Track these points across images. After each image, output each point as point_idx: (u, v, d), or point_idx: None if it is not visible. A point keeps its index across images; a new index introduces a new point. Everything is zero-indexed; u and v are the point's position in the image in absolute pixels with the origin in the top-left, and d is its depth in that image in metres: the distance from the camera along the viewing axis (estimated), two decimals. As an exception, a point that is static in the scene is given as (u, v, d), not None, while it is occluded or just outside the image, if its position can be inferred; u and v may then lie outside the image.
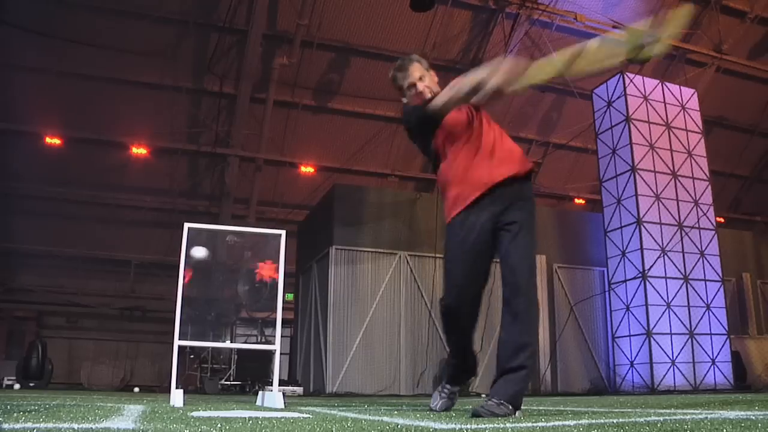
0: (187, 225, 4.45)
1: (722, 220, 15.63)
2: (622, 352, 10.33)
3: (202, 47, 12.70)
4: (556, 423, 2.15)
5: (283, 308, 4.55)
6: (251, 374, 10.57)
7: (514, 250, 2.86)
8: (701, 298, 10.38)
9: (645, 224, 10.22)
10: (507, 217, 2.88)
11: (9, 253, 14.32)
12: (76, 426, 1.83)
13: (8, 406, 2.93)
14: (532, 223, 2.93)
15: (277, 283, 4.53)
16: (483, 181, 2.92)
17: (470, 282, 3.01)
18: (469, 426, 2.01)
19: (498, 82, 2.59)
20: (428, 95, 3.09)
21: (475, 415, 2.56)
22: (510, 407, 2.60)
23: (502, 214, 2.89)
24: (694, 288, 10.35)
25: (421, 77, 3.14)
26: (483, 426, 2.02)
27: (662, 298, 10.02)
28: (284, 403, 4.00)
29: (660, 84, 11.31)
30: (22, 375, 10.76)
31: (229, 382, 10.65)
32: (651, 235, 10.24)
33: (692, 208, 10.76)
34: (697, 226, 10.70)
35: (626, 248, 10.43)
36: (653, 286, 10.01)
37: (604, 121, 11.24)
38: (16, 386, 10.29)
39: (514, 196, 2.92)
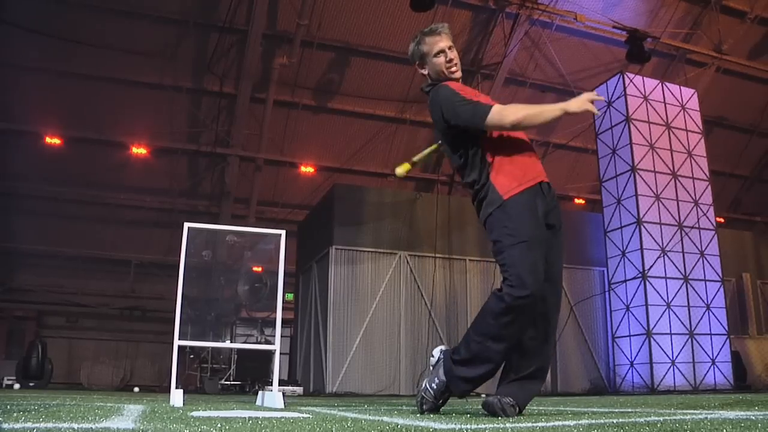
0: (187, 225, 4.44)
1: (722, 220, 15.62)
2: (622, 352, 10.33)
3: (202, 47, 12.70)
4: (556, 423, 2.15)
5: (282, 308, 4.55)
6: (251, 374, 10.57)
7: (556, 249, 2.85)
8: (701, 298, 10.36)
9: (645, 224, 10.22)
10: (549, 218, 2.86)
11: (9, 253, 14.31)
12: (75, 426, 1.83)
13: (8, 406, 2.93)
14: (562, 224, 2.94)
15: (276, 283, 4.52)
16: (540, 168, 2.89)
17: (543, 266, 2.70)
18: (469, 426, 2.01)
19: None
20: (456, 70, 2.97)
21: (488, 406, 2.57)
22: (518, 410, 2.62)
23: (548, 212, 2.86)
24: (694, 288, 10.34)
25: (450, 47, 2.98)
26: (483, 426, 2.02)
27: (662, 298, 10.01)
28: (284, 403, 4.00)
29: (660, 84, 11.31)
30: (22, 375, 10.76)
31: (229, 382, 10.64)
32: (651, 235, 10.23)
33: (692, 208, 10.75)
34: (697, 226, 10.69)
35: (626, 248, 10.43)
36: (653, 286, 10.00)
37: (604, 121, 11.24)
38: (16, 386, 10.29)
39: (554, 199, 2.91)
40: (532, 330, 2.76)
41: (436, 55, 2.96)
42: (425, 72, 3.04)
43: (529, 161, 2.86)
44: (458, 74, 3.00)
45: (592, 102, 2.73)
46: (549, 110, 2.77)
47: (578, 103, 2.73)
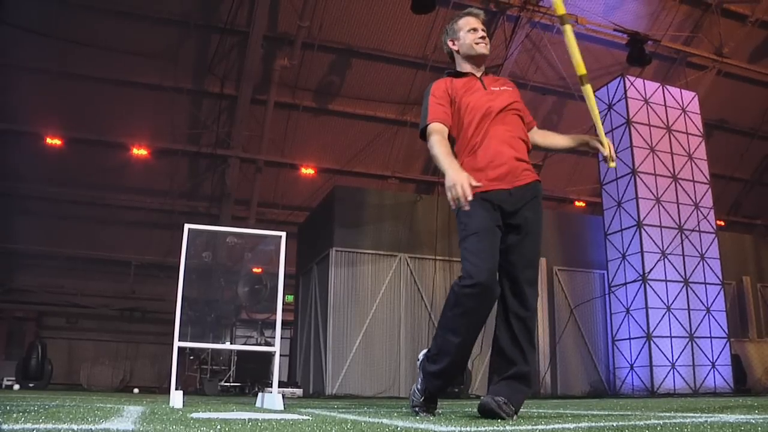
0: (187, 226, 4.44)
1: (722, 223, 15.62)
2: (622, 355, 10.32)
3: (203, 48, 12.71)
4: (556, 426, 2.15)
5: (282, 310, 4.55)
6: (251, 376, 10.56)
7: (522, 251, 2.85)
8: (701, 302, 10.35)
9: (645, 227, 10.21)
10: (516, 218, 2.85)
11: (9, 253, 14.32)
12: (75, 427, 1.83)
13: (8, 407, 2.93)
14: (539, 226, 2.92)
15: (276, 284, 4.52)
16: (511, 171, 2.88)
17: (497, 260, 2.77)
18: (468, 428, 2.01)
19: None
20: (483, 45, 3.07)
21: (483, 406, 2.57)
22: (513, 409, 2.62)
23: (514, 212, 2.85)
24: (694, 291, 10.33)
25: (483, 29, 3.14)
26: (483, 428, 2.02)
27: (662, 301, 10.00)
28: (284, 404, 4.00)
29: (661, 87, 11.31)
30: (22, 375, 10.75)
31: (228, 384, 10.63)
32: (651, 238, 10.23)
33: (692, 211, 10.74)
34: (697, 229, 10.68)
35: (626, 251, 10.42)
36: (653, 289, 10.00)
37: (604, 124, 11.24)
38: (16, 387, 10.28)
39: (530, 201, 2.89)
40: (507, 331, 2.79)
41: (469, 31, 3.11)
42: (456, 48, 3.15)
43: (496, 165, 2.87)
44: (482, 50, 3.10)
45: (458, 197, 2.55)
46: (444, 161, 2.76)
47: (453, 180, 2.60)
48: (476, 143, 2.92)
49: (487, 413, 2.56)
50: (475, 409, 2.69)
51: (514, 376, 2.75)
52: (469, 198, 2.55)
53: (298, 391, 9.97)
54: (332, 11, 12.29)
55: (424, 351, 3.01)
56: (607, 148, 2.97)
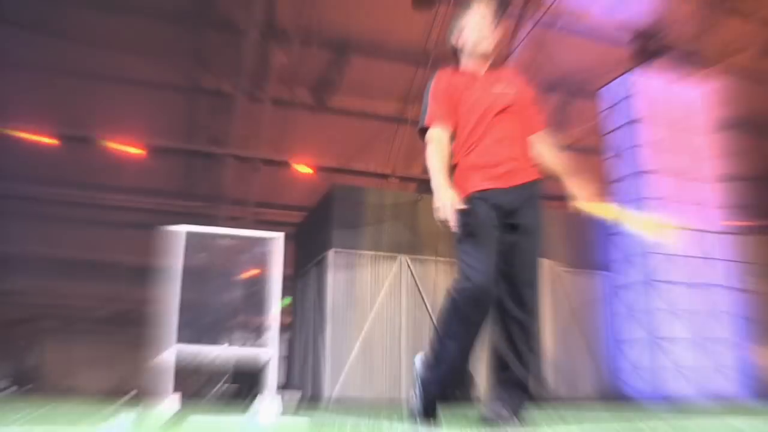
0: (182, 227, 4.41)
1: (734, 224, 15.48)
2: (627, 357, 10.24)
3: (199, 45, 12.65)
4: (559, 428, 2.11)
5: (280, 312, 4.50)
6: (247, 379, 10.50)
7: (523, 252, 2.79)
8: (708, 304, 10.19)
9: (650, 227, 10.12)
10: (515, 217, 2.80)
11: (2, 256, 14.24)
12: (70, 430, 1.79)
13: (2, 411, 2.89)
14: (539, 225, 2.87)
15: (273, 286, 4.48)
16: (508, 171, 2.83)
17: (493, 261, 2.71)
18: (472, 434, 1.96)
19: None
20: (490, 43, 3.02)
21: (484, 420, 2.54)
22: (512, 413, 2.58)
23: (512, 212, 2.80)
24: (701, 293, 10.18)
25: (492, 20, 3.07)
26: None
27: (667, 303, 9.88)
28: (281, 408, 3.96)
29: (667, 84, 11.21)
30: (17, 379, 10.70)
31: (224, 387, 10.59)
32: (657, 238, 10.13)
33: (701, 211, 10.56)
34: (706, 229, 10.51)
35: (632, 252, 10.32)
36: (659, 291, 9.89)
37: (610, 122, 11.17)
38: (11, 390, 10.22)
39: (528, 199, 2.85)
40: (503, 333, 2.74)
41: (475, 25, 3.05)
42: (461, 44, 3.12)
43: (493, 164, 2.82)
44: (487, 47, 3.04)
45: (445, 216, 2.59)
46: (435, 179, 2.73)
47: (441, 200, 2.61)
48: (474, 142, 2.86)
49: (489, 424, 2.53)
50: (476, 412, 2.65)
51: (510, 380, 2.70)
52: (452, 222, 2.57)
53: (296, 395, 9.92)
54: (331, 7, 12.24)
55: (420, 356, 2.94)
56: (583, 204, 3.02)
